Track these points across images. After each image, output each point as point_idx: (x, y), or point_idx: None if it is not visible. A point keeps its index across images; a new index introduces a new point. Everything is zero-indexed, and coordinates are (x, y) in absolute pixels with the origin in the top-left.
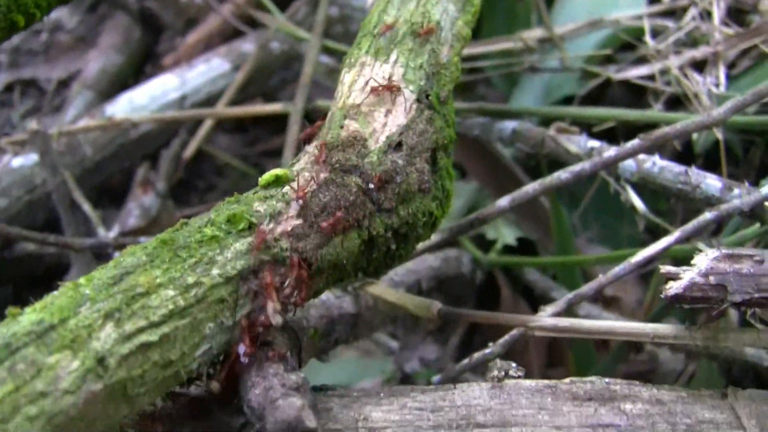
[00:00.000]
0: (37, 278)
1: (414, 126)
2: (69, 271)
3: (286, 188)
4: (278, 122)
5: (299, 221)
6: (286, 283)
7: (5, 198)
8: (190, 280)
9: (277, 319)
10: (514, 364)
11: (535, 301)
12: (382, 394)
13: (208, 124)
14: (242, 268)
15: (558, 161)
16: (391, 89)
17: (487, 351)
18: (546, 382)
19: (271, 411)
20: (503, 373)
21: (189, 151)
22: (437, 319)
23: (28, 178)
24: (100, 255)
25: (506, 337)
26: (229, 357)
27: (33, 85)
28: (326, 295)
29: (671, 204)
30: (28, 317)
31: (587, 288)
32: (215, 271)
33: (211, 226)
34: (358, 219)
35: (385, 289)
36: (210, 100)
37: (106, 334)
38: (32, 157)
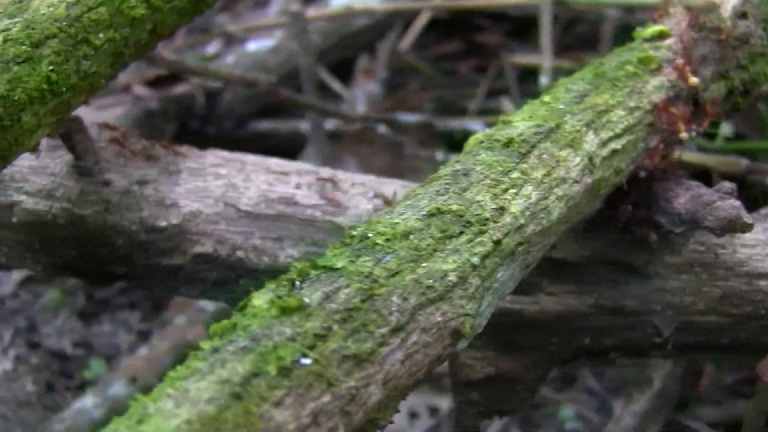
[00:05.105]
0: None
1: (751, 0)
2: (302, 150)
3: (669, 41)
4: (446, 27)
5: (689, 67)
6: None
7: None
8: (632, 104)
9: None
10: None
11: None
12: None
13: (424, 18)
14: (660, 99)
15: None
16: None
17: None
18: None
19: (708, 212)
20: None
21: (405, 43)
22: (745, 173)
23: (262, 63)
24: (335, 135)
25: None
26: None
27: None
28: None
29: None
30: (524, 123)
31: None
32: (645, 100)
33: (628, 65)
34: (727, 70)
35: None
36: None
37: (590, 139)
38: (266, 43)
